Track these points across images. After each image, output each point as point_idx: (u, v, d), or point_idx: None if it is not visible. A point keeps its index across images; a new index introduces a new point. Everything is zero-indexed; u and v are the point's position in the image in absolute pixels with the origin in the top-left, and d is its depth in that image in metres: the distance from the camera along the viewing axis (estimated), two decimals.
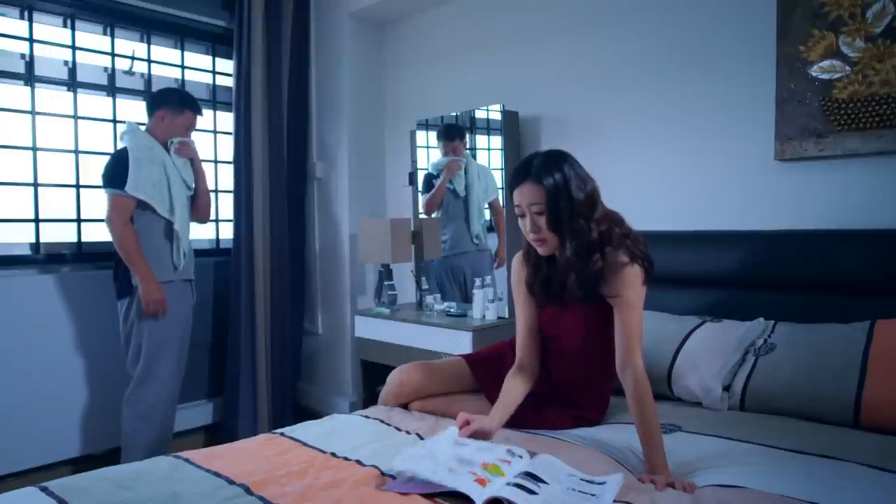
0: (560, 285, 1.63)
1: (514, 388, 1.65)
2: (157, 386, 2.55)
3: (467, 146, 3.06)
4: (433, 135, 3.20)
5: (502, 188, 2.88)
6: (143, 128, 2.62)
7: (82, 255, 2.87)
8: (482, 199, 3.04)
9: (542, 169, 1.51)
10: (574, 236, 1.52)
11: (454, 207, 3.12)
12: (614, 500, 1.22)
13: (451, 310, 2.89)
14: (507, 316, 2.70)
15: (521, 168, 1.55)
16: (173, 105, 2.61)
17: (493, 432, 1.56)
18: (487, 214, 3.06)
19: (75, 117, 2.86)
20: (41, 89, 2.78)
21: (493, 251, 2.98)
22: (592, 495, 1.22)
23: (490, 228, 3.05)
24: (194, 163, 2.72)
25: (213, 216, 2.97)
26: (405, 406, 1.90)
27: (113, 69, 3.00)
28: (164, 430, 2.59)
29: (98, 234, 2.89)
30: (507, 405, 1.62)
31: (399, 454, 1.36)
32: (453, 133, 3.07)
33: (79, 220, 2.88)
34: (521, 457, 1.36)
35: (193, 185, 2.73)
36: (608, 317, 1.58)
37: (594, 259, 1.53)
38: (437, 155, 3.17)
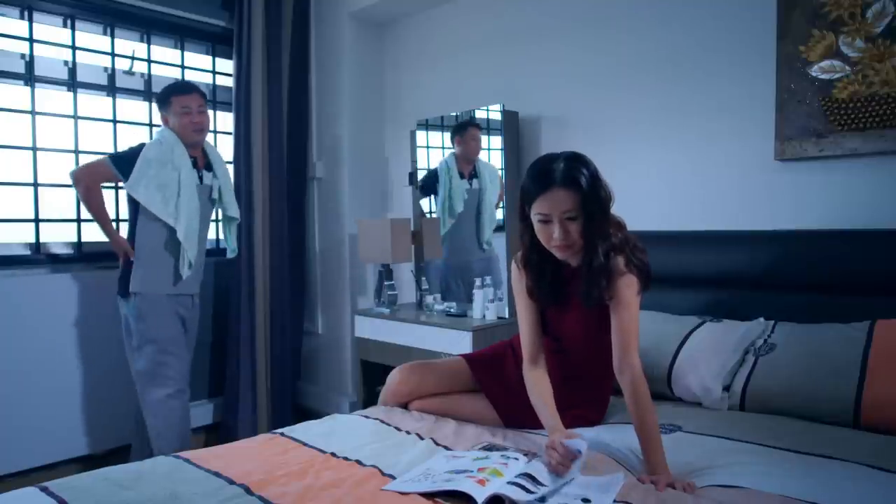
0: (565, 286, 1.62)
1: (545, 386, 1.61)
2: (157, 388, 2.50)
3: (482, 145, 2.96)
4: (433, 135, 3.19)
5: (503, 188, 2.87)
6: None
7: (82, 255, 2.88)
8: (493, 203, 2.94)
9: (571, 174, 1.47)
10: (604, 240, 1.51)
11: (465, 210, 3.02)
12: (614, 501, 1.22)
13: (451, 310, 2.89)
14: (507, 316, 2.70)
15: (544, 175, 1.49)
16: (161, 104, 2.60)
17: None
18: (500, 214, 2.93)
19: (75, 117, 2.86)
20: (41, 89, 2.78)
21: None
22: (589, 500, 1.22)
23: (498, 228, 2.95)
24: None
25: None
26: (405, 406, 1.90)
27: (113, 69, 3.00)
28: (178, 430, 2.54)
29: (98, 234, 2.89)
30: (552, 405, 1.57)
31: (394, 480, 1.33)
32: (469, 126, 2.97)
33: (79, 220, 2.88)
34: (516, 459, 1.36)
35: (229, 210, 2.74)
36: (606, 317, 1.57)
37: (610, 263, 1.52)
38: (437, 155, 3.17)
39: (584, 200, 1.47)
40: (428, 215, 3.22)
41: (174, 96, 2.56)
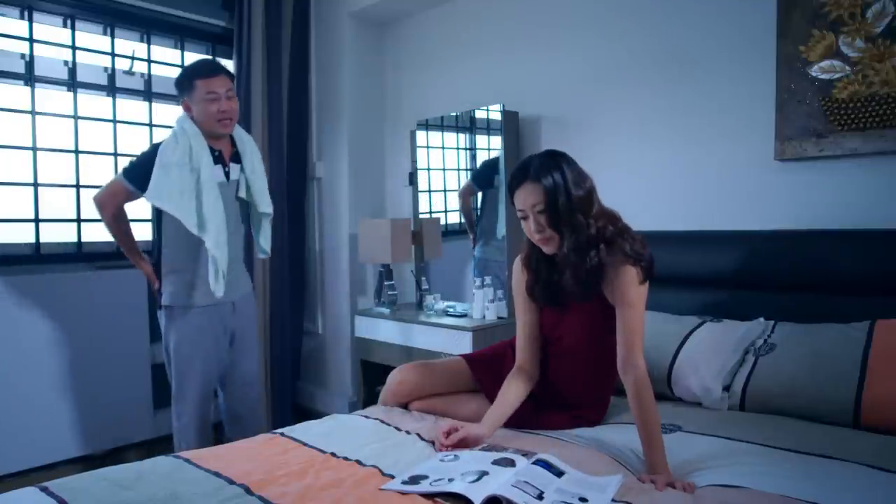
0: (559, 284, 1.63)
1: (512, 392, 1.66)
2: (184, 406, 2.29)
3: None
4: (433, 135, 3.20)
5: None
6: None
7: (82, 255, 2.87)
8: None
9: (539, 169, 1.53)
10: (573, 232, 1.53)
11: None
12: (614, 500, 1.22)
13: (452, 310, 2.89)
14: (506, 316, 2.70)
15: (520, 171, 1.56)
16: (182, 88, 2.22)
17: (484, 437, 1.56)
18: None
19: (75, 117, 2.86)
20: (41, 89, 2.77)
21: None
22: (586, 500, 1.22)
23: None
24: None
25: None
26: (405, 406, 1.90)
27: (113, 69, 3.00)
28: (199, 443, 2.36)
29: (98, 234, 2.89)
30: (503, 409, 1.63)
31: (394, 480, 1.33)
32: None
33: (79, 220, 2.87)
34: (513, 461, 1.36)
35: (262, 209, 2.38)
36: (609, 317, 1.58)
37: (591, 255, 1.53)
38: (437, 155, 3.17)
39: (548, 193, 1.50)
40: (476, 211, 3.09)
41: (199, 79, 2.17)
